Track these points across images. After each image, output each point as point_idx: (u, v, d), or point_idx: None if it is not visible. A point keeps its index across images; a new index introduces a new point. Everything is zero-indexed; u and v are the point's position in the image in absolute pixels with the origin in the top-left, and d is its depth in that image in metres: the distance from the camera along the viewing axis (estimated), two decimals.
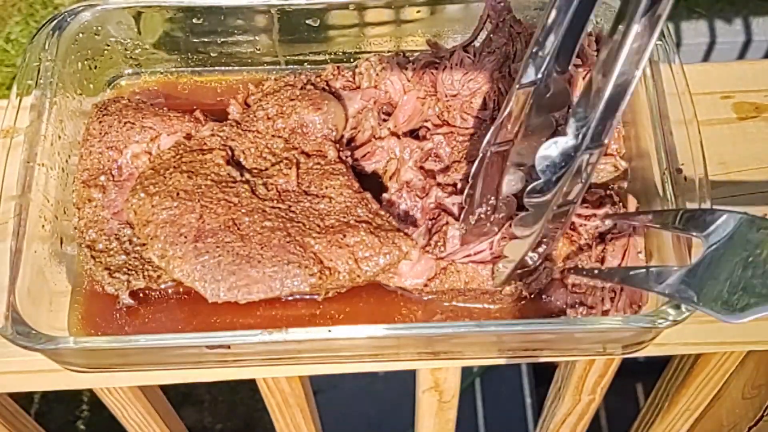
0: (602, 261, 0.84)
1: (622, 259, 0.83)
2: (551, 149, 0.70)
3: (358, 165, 0.91)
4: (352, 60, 0.99)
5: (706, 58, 2.54)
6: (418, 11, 0.96)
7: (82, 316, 0.84)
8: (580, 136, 0.68)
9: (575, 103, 0.68)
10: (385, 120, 0.93)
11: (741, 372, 1.06)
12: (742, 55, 2.54)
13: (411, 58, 0.96)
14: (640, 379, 2.16)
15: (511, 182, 0.81)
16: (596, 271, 0.81)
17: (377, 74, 0.95)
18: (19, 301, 0.76)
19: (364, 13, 0.95)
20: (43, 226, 0.83)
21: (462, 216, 0.84)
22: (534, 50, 0.72)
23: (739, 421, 1.10)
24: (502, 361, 0.88)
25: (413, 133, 0.93)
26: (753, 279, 0.65)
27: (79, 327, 0.84)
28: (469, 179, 0.81)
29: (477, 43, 0.94)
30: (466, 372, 2.14)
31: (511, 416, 2.18)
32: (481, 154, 0.79)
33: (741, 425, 1.10)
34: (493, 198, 0.82)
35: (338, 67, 0.96)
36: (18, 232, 0.79)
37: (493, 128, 0.77)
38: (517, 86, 0.73)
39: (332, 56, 0.99)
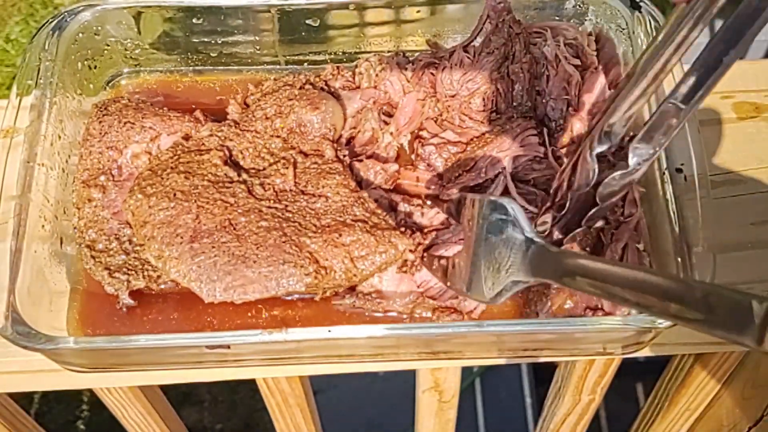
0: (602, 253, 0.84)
1: (623, 255, 0.83)
2: (615, 180, 0.75)
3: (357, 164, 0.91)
4: (351, 60, 0.99)
5: None
6: (418, 11, 0.96)
7: (82, 316, 0.84)
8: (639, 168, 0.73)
9: (637, 139, 0.73)
10: (386, 122, 0.93)
11: (741, 372, 1.06)
12: (742, 56, 2.54)
13: (411, 59, 0.96)
14: (640, 379, 2.16)
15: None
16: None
17: (377, 74, 0.95)
18: (19, 301, 0.76)
19: (364, 13, 0.95)
20: (43, 226, 0.83)
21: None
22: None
23: (739, 421, 1.10)
24: (502, 361, 0.88)
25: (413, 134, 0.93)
26: (498, 262, 0.69)
27: (79, 327, 0.84)
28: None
29: (476, 44, 0.94)
30: (466, 372, 2.14)
31: (511, 416, 2.17)
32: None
33: (741, 425, 1.09)
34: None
35: (338, 67, 0.96)
36: (18, 232, 0.79)
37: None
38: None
39: (332, 56, 0.99)
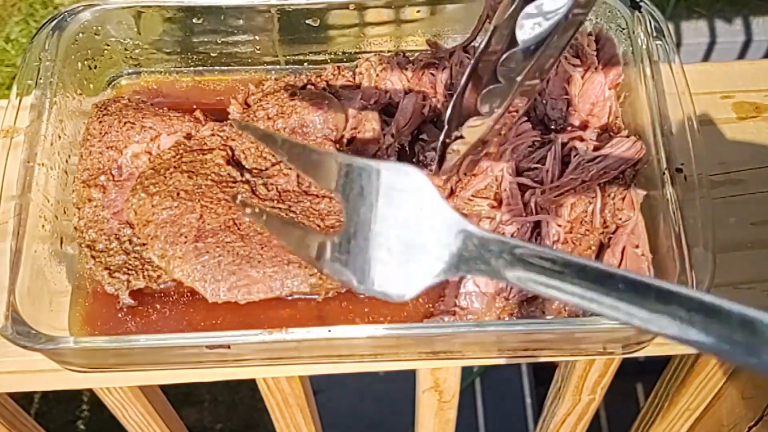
0: (599, 257, 0.84)
1: (621, 259, 0.83)
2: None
3: None
4: (352, 60, 0.99)
5: (707, 57, 2.54)
6: (418, 11, 0.96)
7: (82, 315, 0.84)
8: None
9: None
10: (386, 123, 0.93)
11: (741, 372, 1.06)
12: (742, 55, 2.54)
13: (411, 58, 0.96)
14: (640, 379, 2.16)
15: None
16: None
17: (377, 74, 0.95)
18: (19, 301, 0.76)
19: (364, 13, 0.95)
20: (43, 226, 0.83)
21: (440, 140, 0.77)
22: None
23: (739, 421, 1.10)
24: (502, 361, 0.88)
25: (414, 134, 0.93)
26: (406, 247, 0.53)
27: (79, 327, 0.84)
28: (456, 90, 0.77)
29: (476, 44, 0.94)
30: (466, 372, 2.14)
31: (511, 416, 2.18)
32: (472, 63, 0.74)
33: (741, 425, 1.09)
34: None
35: (338, 67, 0.96)
36: (18, 232, 0.79)
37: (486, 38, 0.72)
38: None
39: (332, 56, 0.99)
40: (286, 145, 0.63)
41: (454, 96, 0.73)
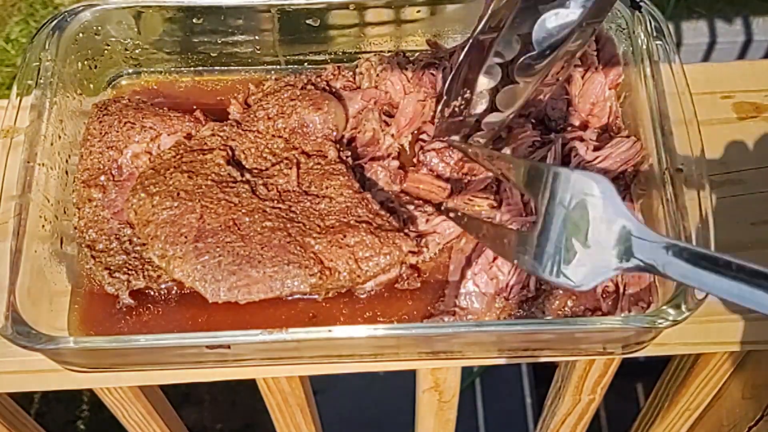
0: None
1: None
2: (551, 20, 0.71)
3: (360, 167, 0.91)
4: (352, 60, 0.99)
5: (707, 58, 2.54)
6: (418, 11, 0.96)
7: (82, 315, 0.84)
8: (584, 9, 0.70)
9: None
10: (386, 122, 0.93)
11: (741, 372, 1.06)
12: (742, 55, 2.54)
13: (411, 59, 0.96)
14: (640, 379, 2.16)
15: (489, 74, 0.82)
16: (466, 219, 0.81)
17: (378, 74, 0.95)
18: (19, 301, 0.76)
19: (364, 13, 0.95)
20: (43, 226, 0.83)
21: (438, 109, 0.85)
22: None
23: (739, 421, 1.10)
24: (502, 361, 0.88)
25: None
26: (575, 241, 0.63)
27: (79, 327, 0.84)
28: (451, 69, 0.81)
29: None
30: (466, 372, 2.15)
31: (511, 416, 2.18)
32: (469, 43, 0.79)
33: (741, 425, 1.10)
34: (468, 92, 0.83)
35: (339, 67, 0.97)
36: (18, 232, 0.79)
37: (485, 18, 0.77)
38: None
39: (332, 56, 0.99)
40: (486, 152, 0.80)
41: (452, 71, 0.81)
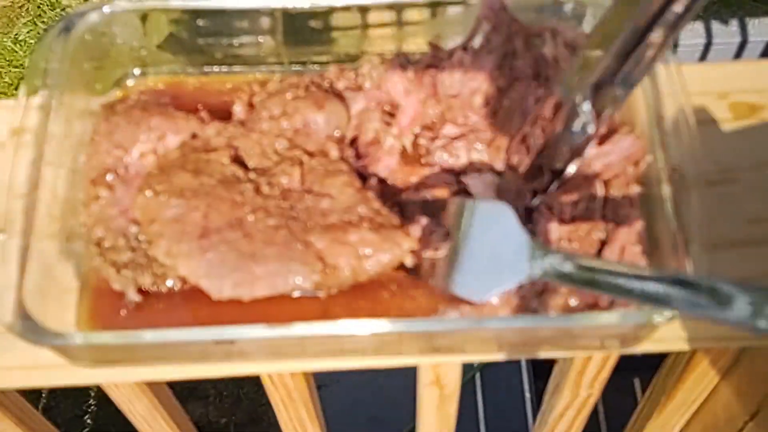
0: (599, 254, 0.86)
1: (620, 256, 0.84)
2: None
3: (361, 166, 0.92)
4: (354, 61, 1.00)
5: (703, 58, 2.54)
6: (420, 13, 0.96)
7: (90, 312, 0.85)
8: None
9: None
10: (388, 123, 0.93)
11: (737, 368, 1.07)
12: (738, 56, 2.54)
13: (412, 60, 0.97)
14: (637, 375, 2.17)
15: None
16: None
17: (379, 75, 0.95)
18: (27, 298, 0.77)
19: (366, 15, 0.96)
20: (50, 224, 0.84)
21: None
22: None
23: (734, 416, 1.11)
24: (501, 357, 0.89)
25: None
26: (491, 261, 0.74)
27: (87, 323, 0.85)
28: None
29: (475, 43, 0.95)
30: (467, 367, 2.15)
31: (510, 410, 2.19)
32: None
33: (737, 420, 1.10)
34: None
35: (341, 68, 0.97)
36: (26, 230, 0.80)
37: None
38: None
39: (335, 57, 1.00)
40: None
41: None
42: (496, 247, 0.73)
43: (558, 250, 0.73)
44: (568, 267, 0.69)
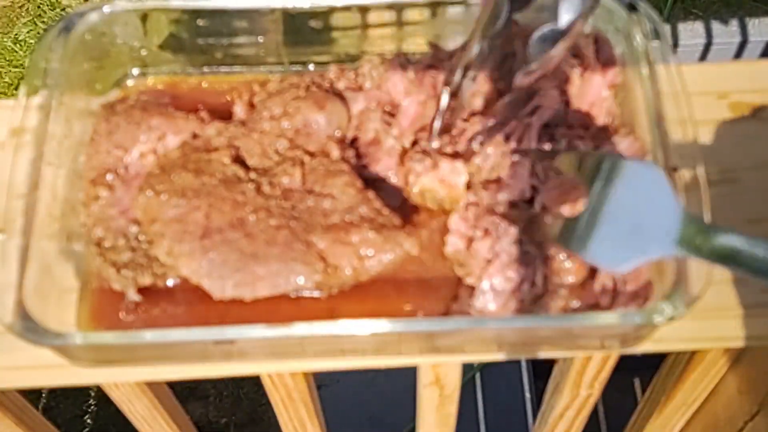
0: None
1: None
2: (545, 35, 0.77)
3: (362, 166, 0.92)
4: (354, 61, 1.00)
5: (703, 58, 2.55)
6: (420, 13, 0.97)
7: (90, 312, 0.85)
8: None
9: None
10: (388, 123, 0.94)
11: (737, 367, 1.07)
12: (738, 56, 2.54)
13: (412, 60, 0.97)
14: (637, 375, 2.17)
15: None
16: None
17: (379, 75, 0.95)
18: (27, 298, 0.78)
19: (366, 15, 0.96)
20: (50, 224, 0.84)
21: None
22: None
23: (735, 415, 1.11)
24: (501, 357, 0.89)
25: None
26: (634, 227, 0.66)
27: (87, 323, 0.85)
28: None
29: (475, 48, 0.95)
30: (467, 367, 2.16)
31: (510, 410, 2.19)
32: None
33: (737, 420, 1.11)
34: None
35: (341, 68, 0.97)
36: (26, 230, 0.80)
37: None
38: None
39: (335, 57, 1.00)
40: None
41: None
42: (640, 213, 0.65)
43: (714, 224, 0.67)
44: (734, 241, 0.64)
